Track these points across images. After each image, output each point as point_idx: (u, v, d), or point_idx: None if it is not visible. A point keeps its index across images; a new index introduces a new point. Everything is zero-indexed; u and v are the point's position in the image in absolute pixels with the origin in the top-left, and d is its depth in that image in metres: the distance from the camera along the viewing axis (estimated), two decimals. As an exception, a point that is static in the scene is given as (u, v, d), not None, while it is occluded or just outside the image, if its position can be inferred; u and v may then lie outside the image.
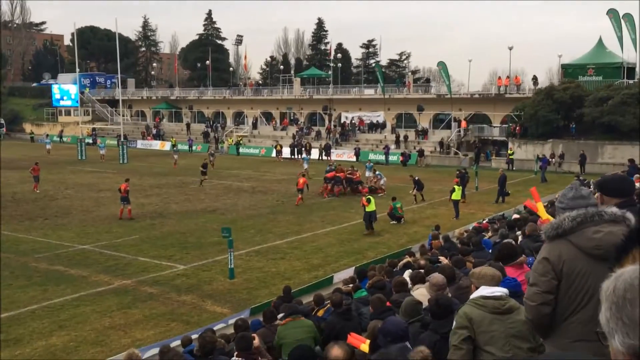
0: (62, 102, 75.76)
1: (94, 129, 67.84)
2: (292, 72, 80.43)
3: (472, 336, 4.03)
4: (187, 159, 50.96)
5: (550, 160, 39.47)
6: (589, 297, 3.19)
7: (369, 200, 22.32)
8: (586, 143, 40.99)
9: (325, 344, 7.47)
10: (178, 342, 10.25)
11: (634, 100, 39.06)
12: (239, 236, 20.49)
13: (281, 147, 51.39)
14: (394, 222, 24.04)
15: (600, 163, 39.32)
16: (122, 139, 51.92)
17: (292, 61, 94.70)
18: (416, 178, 29.22)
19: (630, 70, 46.42)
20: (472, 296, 4.29)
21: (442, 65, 52.92)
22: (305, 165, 37.86)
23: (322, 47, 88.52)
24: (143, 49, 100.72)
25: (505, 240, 7.00)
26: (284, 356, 7.54)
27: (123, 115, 66.28)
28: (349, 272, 15.71)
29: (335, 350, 4.17)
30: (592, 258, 3.21)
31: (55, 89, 76.68)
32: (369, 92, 60.56)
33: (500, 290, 4.24)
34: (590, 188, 21.37)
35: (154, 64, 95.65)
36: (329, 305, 9.74)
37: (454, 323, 4.23)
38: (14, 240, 21.33)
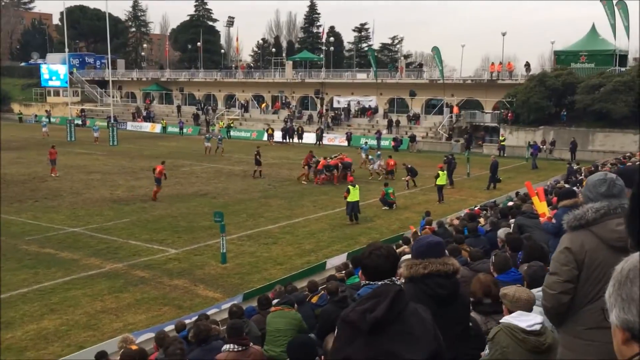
0: (50, 82, 74.85)
1: (83, 110, 67.21)
2: (284, 55, 79.93)
3: None
4: (178, 142, 50.71)
5: (541, 147, 39.61)
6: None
7: (348, 191, 21.83)
8: (577, 130, 41.15)
9: (321, 332, 7.50)
10: (171, 327, 10.23)
11: (625, 88, 39.22)
12: (231, 220, 20.43)
13: (273, 130, 51.17)
14: (386, 207, 24.07)
15: (591, 150, 39.54)
16: (112, 121, 51.46)
17: (284, 44, 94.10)
18: (409, 166, 29.29)
19: (623, 58, 46.57)
20: (508, 320, 4.07)
21: (436, 50, 52.77)
22: (363, 155, 35.28)
23: (314, 30, 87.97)
24: (133, 29, 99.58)
25: (532, 242, 6.88)
26: (267, 343, 7.58)
27: (113, 97, 65.67)
28: (341, 258, 15.74)
29: None
30: (614, 250, 3.23)
31: (43, 68, 75.73)
32: (361, 77, 60.35)
33: (539, 322, 4.04)
34: (582, 175, 21.30)
35: (144, 45, 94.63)
36: (323, 291, 9.76)
37: (487, 349, 4.01)
38: (4, 223, 21.14)
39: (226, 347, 6.57)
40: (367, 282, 3.33)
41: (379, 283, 3.26)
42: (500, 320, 4.13)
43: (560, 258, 3.42)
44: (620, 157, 27.75)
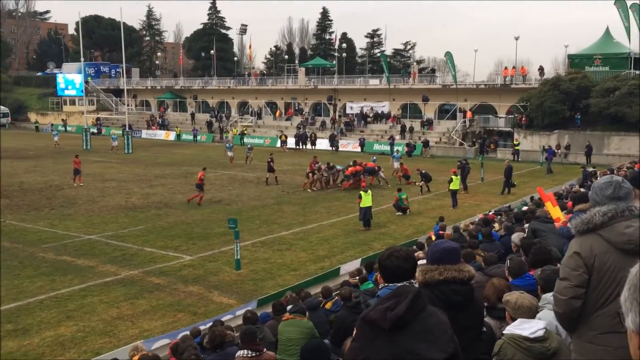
0: (66, 92, 75.75)
1: (98, 119, 67.88)
2: (297, 61, 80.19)
3: None
4: (191, 149, 51.02)
5: (556, 151, 39.34)
6: (619, 291, 3.19)
7: (360, 197, 21.78)
8: (592, 134, 40.83)
9: (335, 338, 7.50)
10: (186, 333, 10.28)
11: (640, 91, 38.83)
12: (245, 227, 20.49)
13: (286, 137, 51.30)
14: (399, 213, 24.03)
15: (606, 154, 39.19)
16: (127, 129, 51.91)
17: (297, 51, 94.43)
18: (423, 171, 29.28)
19: (638, 61, 46.09)
20: (510, 330, 4.05)
21: (448, 55, 52.67)
22: (396, 164, 34.04)
23: (327, 37, 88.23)
24: (147, 38, 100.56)
25: (539, 246, 6.86)
26: (279, 353, 7.59)
27: (128, 105, 66.26)
28: (355, 264, 15.72)
29: None
30: (623, 252, 3.22)
31: (59, 78, 76.69)
32: (373, 82, 60.38)
33: (541, 327, 4.00)
34: (597, 177, 21.11)
35: (158, 54, 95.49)
36: (336, 297, 9.77)
37: None
38: (21, 230, 21.41)
39: (240, 353, 6.60)
40: (385, 284, 3.37)
41: (398, 284, 3.30)
42: (504, 332, 4.11)
43: (570, 263, 3.41)
44: (636, 160, 27.48)
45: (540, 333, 3.95)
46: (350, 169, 30.73)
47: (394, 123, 53.69)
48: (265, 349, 6.88)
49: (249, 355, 6.48)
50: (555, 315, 3.65)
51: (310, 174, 30.67)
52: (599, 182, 3.57)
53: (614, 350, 3.10)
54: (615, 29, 47.19)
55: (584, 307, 3.36)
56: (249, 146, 43.43)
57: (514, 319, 4.18)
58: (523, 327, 4.02)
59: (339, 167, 31.42)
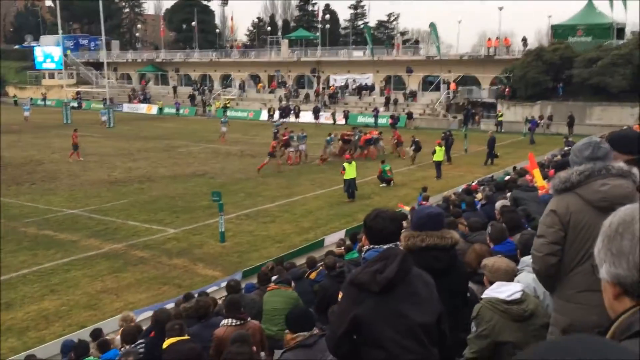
0: (45, 65, 74.29)
1: (78, 92, 66.83)
2: (280, 33, 79.28)
3: (494, 339, 3.98)
4: (174, 123, 50.56)
5: (538, 121, 39.53)
6: None
7: (344, 168, 21.80)
8: (575, 104, 41.04)
9: (319, 307, 7.56)
10: (172, 305, 10.30)
11: (623, 61, 39.02)
12: (229, 200, 20.43)
13: (274, 110, 50.93)
14: (383, 184, 24.10)
15: (588, 124, 39.40)
16: (107, 103, 51.18)
17: (280, 23, 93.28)
18: (416, 139, 29.32)
19: (620, 31, 46.26)
20: (488, 294, 4.11)
21: (432, 26, 52.34)
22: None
23: (310, 8, 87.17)
24: (127, 10, 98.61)
25: (509, 213, 6.96)
26: (263, 322, 7.64)
27: (108, 78, 65.22)
28: (339, 235, 15.80)
29: None
30: (599, 210, 3.26)
31: (37, 51, 75.16)
32: (357, 54, 59.98)
33: (518, 290, 4.06)
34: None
35: (139, 26, 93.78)
36: (321, 267, 9.82)
37: (473, 326, 4.04)
38: (2, 205, 21.16)
39: (225, 321, 6.62)
40: (371, 246, 3.36)
41: (384, 247, 3.29)
42: (482, 296, 4.16)
43: (546, 221, 3.46)
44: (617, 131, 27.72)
45: (517, 295, 4.01)
46: (363, 137, 31.01)
47: (389, 93, 53.12)
48: (249, 318, 6.91)
49: (234, 324, 6.50)
50: (534, 273, 3.70)
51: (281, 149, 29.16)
52: (578, 144, 3.60)
53: (592, 308, 3.14)
54: (598, 0, 47.24)
55: (562, 265, 3.41)
56: (223, 119, 40.32)
57: (492, 283, 4.22)
58: (500, 290, 4.07)
59: (328, 139, 30.85)
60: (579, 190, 3.36)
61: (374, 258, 3.21)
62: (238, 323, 6.49)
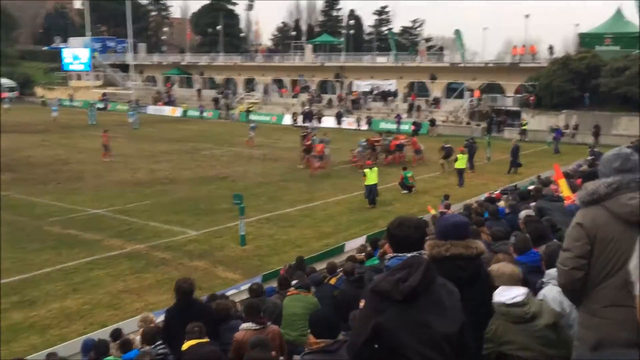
0: (72, 66, 75.45)
1: (105, 94, 67.74)
2: (304, 38, 79.55)
3: (497, 342, 3.94)
4: (197, 125, 50.96)
5: (564, 131, 39.02)
6: (622, 263, 3.18)
7: (365, 174, 21.75)
8: (601, 114, 40.43)
9: (339, 312, 7.53)
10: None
11: (651, 71, 38.32)
12: (250, 203, 20.50)
13: (298, 115, 50.97)
14: (405, 191, 23.98)
15: (614, 135, 38.76)
16: (133, 104, 51.75)
17: (304, 27, 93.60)
18: (447, 145, 29.09)
19: (649, 40, 45.44)
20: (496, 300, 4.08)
21: (457, 33, 52.10)
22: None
23: (334, 14, 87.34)
24: (154, 13, 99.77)
25: (534, 223, 6.89)
26: (283, 327, 7.63)
27: (134, 80, 66.06)
28: (360, 241, 15.75)
29: None
30: (626, 224, 3.19)
31: (65, 52, 76.36)
32: (381, 60, 59.84)
33: (521, 294, 4.02)
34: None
35: (165, 29, 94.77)
36: (341, 273, 9.79)
37: None
38: (28, 204, 21.53)
39: (244, 325, 6.62)
40: (394, 254, 3.32)
41: (408, 255, 3.25)
42: None
43: (572, 234, 3.41)
44: (635, 141, 27.24)
45: (519, 299, 3.98)
46: (393, 142, 31.25)
47: (413, 100, 52.90)
48: (269, 322, 6.91)
49: (254, 327, 6.51)
50: (560, 287, 3.64)
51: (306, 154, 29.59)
52: (607, 155, 3.54)
53: (620, 324, 3.08)
54: (627, 8, 46.56)
55: (588, 279, 3.35)
56: (252, 125, 40.79)
57: (496, 288, 4.19)
58: (503, 294, 4.06)
59: (362, 143, 30.87)
60: (607, 203, 3.29)
61: (397, 266, 3.17)
62: (258, 327, 6.50)
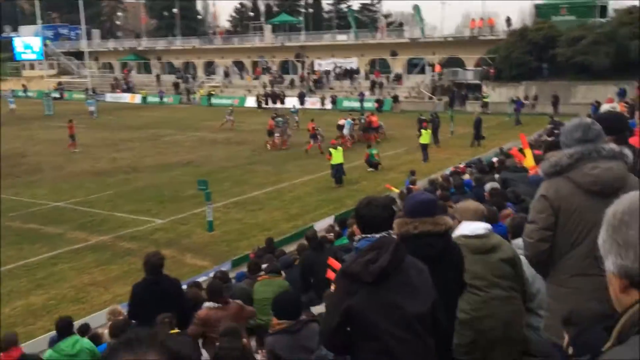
0: (24, 56, 73.00)
1: (60, 83, 65.89)
2: (263, 19, 78.56)
3: None
4: (158, 112, 50.06)
5: (524, 102, 39.58)
6: (586, 232, 3.20)
7: (330, 154, 21.72)
8: (559, 84, 41.11)
9: (303, 278, 7.77)
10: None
11: (606, 40, 39.06)
12: (216, 188, 20.27)
13: (264, 97, 50.25)
14: (371, 169, 24.03)
15: (573, 103, 39.49)
16: (90, 93, 50.49)
17: (262, 8, 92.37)
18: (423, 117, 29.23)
19: (604, 9, 46.21)
20: (454, 234, 4.16)
21: (416, 8, 52.10)
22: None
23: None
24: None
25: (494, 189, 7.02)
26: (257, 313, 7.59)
27: (90, 68, 64.40)
28: (329, 221, 15.73)
29: None
30: (589, 194, 3.20)
31: (17, 42, 73.81)
32: (341, 38, 59.56)
33: (482, 227, 4.12)
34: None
35: (119, 14, 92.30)
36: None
37: None
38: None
39: (206, 304, 6.60)
40: (363, 235, 3.26)
41: (377, 235, 3.20)
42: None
43: (537, 206, 3.42)
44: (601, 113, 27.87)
45: (480, 231, 4.04)
46: (371, 120, 31.46)
47: (377, 77, 52.82)
48: (232, 300, 6.82)
49: (215, 306, 6.47)
50: (527, 259, 3.66)
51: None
52: (568, 125, 3.53)
53: (588, 294, 3.09)
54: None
55: (554, 250, 3.35)
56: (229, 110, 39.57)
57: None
58: (465, 227, 4.13)
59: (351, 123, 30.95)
60: (570, 174, 3.29)
61: (367, 247, 3.12)
62: (219, 306, 6.46)
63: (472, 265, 3.99)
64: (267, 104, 49.67)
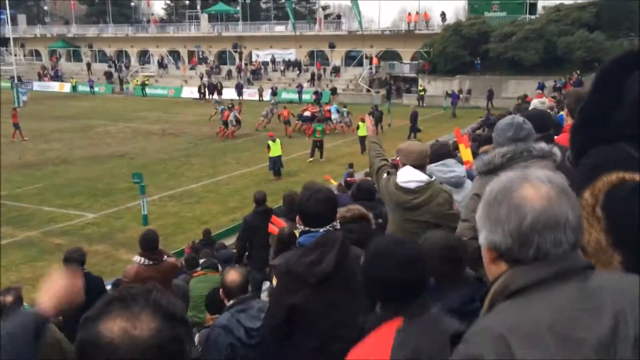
0: (-57, 41, 68.84)
1: (-18, 71, 62.51)
2: (199, 7, 77.07)
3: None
4: (89, 101, 48.33)
5: (460, 95, 40.59)
6: None
7: (268, 147, 21.55)
8: (491, 78, 42.38)
9: (243, 238, 8.46)
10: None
11: (535, 36, 40.59)
12: (151, 181, 19.78)
13: (205, 88, 49.02)
14: (311, 159, 24.12)
15: (504, 97, 40.78)
16: (15, 81, 48.19)
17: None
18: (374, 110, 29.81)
19: (533, 6, 47.94)
20: (395, 179, 4.08)
21: (354, 1, 52.37)
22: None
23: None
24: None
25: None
26: (191, 310, 7.43)
27: (15, 55, 61.30)
28: (267, 214, 15.61)
29: (232, 275, 4.05)
30: None
31: None
32: (279, 29, 59.21)
33: (417, 179, 3.94)
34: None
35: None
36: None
37: None
38: None
39: (137, 258, 6.08)
40: (306, 229, 3.18)
41: (321, 230, 3.12)
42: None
43: (470, 204, 3.46)
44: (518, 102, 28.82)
45: (411, 185, 3.95)
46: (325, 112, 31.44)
47: (319, 69, 52.85)
48: (165, 257, 6.40)
49: (146, 263, 5.98)
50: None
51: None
52: (501, 123, 3.58)
53: None
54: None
55: None
56: (273, 101, 36.35)
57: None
58: (402, 174, 4.01)
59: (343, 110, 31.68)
60: (502, 173, 3.34)
61: (310, 245, 3.06)
62: (151, 263, 6.00)
63: (397, 220, 3.95)
64: (208, 95, 48.75)
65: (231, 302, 3.93)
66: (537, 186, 1.50)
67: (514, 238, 1.47)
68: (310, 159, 24.32)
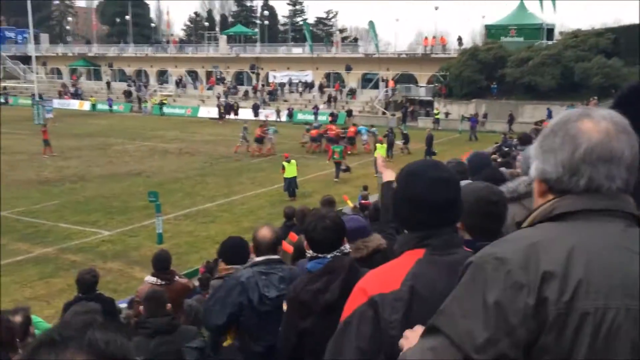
0: (-32, 59, 70.36)
1: (4, 88, 63.68)
2: (218, 29, 78.16)
3: None
4: (108, 119, 48.94)
5: (478, 119, 40.57)
6: None
7: (283, 167, 21.64)
8: (507, 103, 42.33)
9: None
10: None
11: (552, 61, 40.55)
12: (167, 200, 19.89)
13: (223, 108, 49.45)
14: (337, 179, 24.45)
15: (520, 122, 40.69)
16: (36, 98, 48.98)
17: (217, 18, 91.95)
18: (404, 132, 30.78)
19: (550, 32, 48.06)
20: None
21: (371, 24, 52.84)
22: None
23: (248, 4, 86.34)
24: (57, 1, 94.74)
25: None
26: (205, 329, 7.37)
27: (37, 73, 62.43)
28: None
29: (264, 231, 4.02)
30: None
31: (-41, 44, 71.12)
32: (296, 51, 59.78)
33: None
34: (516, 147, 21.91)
35: (69, 18, 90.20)
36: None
37: None
38: None
39: (149, 278, 6.12)
40: (314, 255, 3.19)
41: (328, 256, 3.12)
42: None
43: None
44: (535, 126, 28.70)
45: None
46: (314, 131, 32.06)
47: (337, 90, 53.20)
48: (177, 277, 6.47)
49: (159, 283, 6.03)
50: None
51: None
52: (527, 152, 3.58)
53: None
54: (529, 1, 48.91)
55: None
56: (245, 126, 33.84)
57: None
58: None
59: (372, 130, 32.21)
60: (525, 202, 3.34)
61: (318, 272, 3.07)
62: (163, 283, 6.05)
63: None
64: (223, 115, 49.14)
65: (256, 259, 3.87)
66: (596, 121, 1.46)
67: (565, 167, 1.46)
68: (336, 179, 24.55)
